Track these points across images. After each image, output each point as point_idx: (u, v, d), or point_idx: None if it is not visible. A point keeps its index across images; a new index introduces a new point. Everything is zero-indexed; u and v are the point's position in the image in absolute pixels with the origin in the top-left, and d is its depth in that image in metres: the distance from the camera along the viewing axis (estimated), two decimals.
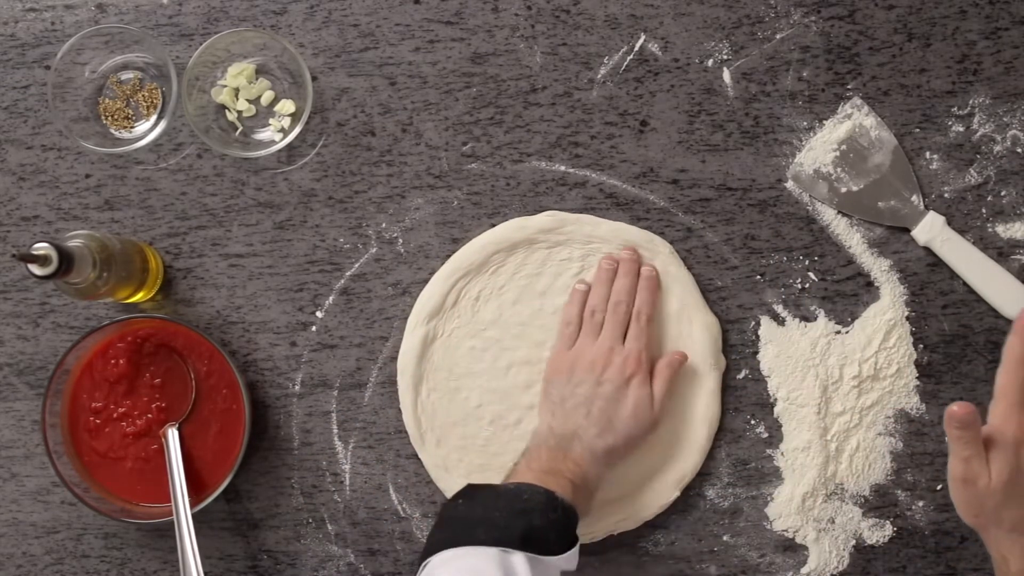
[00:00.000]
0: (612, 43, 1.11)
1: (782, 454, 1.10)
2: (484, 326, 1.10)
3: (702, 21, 1.11)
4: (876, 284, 1.10)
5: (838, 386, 1.09)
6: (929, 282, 1.10)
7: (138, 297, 1.10)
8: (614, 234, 1.09)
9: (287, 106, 1.13)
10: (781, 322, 1.11)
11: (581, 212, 1.11)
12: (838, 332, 1.10)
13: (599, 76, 1.12)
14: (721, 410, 1.10)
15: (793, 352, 1.09)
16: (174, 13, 1.13)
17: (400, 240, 1.12)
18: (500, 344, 1.10)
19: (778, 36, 1.11)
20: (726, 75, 1.11)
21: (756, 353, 1.11)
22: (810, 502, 1.09)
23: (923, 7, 1.10)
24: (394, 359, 1.12)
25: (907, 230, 1.10)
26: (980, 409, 0.92)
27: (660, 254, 1.09)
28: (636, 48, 1.11)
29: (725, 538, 1.10)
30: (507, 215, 1.12)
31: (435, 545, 0.91)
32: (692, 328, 1.09)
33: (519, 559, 0.89)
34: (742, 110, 1.11)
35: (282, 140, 1.11)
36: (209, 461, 1.09)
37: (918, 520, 1.10)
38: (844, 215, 1.10)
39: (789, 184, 1.11)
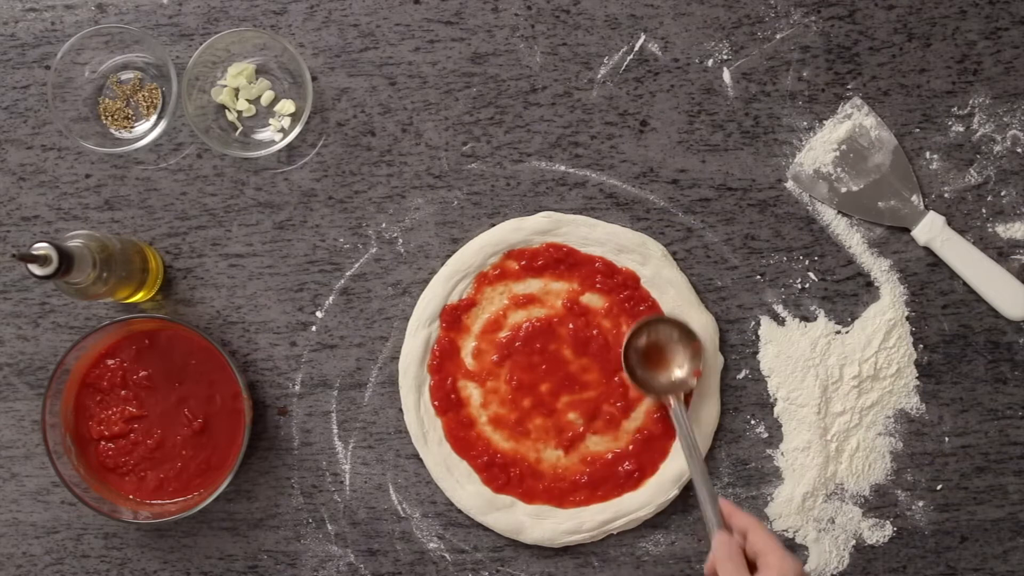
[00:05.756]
0: (612, 43, 1.11)
1: (782, 454, 1.10)
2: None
3: (702, 21, 1.11)
4: (876, 284, 1.10)
5: (838, 386, 1.09)
6: (929, 282, 1.10)
7: (138, 297, 1.10)
8: (609, 236, 1.09)
9: (287, 106, 1.13)
10: (781, 322, 1.11)
11: (580, 212, 1.11)
12: (838, 332, 1.10)
13: (599, 76, 1.12)
14: (720, 409, 1.10)
15: (793, 352, 1.09)
16: (174, 13, 1.13)
17: (400, 240, 1.12)
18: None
19: (778, 36, 1.11)
20: (726, 75, 1.11)
21: (756, 353, 1.11)
22: (810, 502, 1.09)
23: (923, 7, 1.10)
24: (394, 359, 1.12)
25: (907, 230, 1.10)
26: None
27: (653, 257, 1.09)
28: (636, 48, 1.11)
29: None
30: (507, 215, 1.12)
31: None
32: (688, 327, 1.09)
33: None
34: (742, 110, 1.11)
35: (282, 140, 1.11)
36: (209, 461, 1.09)
37: (918, 520, 1.10)
38: (844, 215, 1.10)
39: (789, 184, 1.11)
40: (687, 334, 1.07)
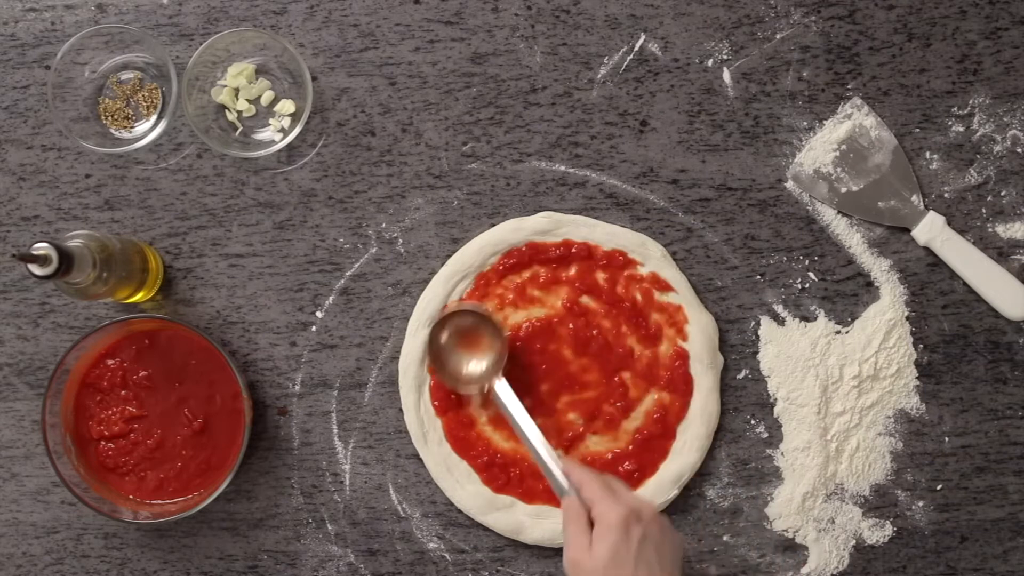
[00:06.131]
0: (612, 43, 1.11)
1: (782, 454, 1.10)
2: None
3: (702, 21, 1.11)
4: (876, 284, 1.10)
5: (838, 386, 1.09)
6: (929, 282, 1.10)
7: (138, 297, 1.10)
8: (609, 237, 1.09)
9: (287, 106, 1.13)
10: (781, 322, 1.11)
11: (580, 212, 1.11)
12: (838, 332, 1.10)
13: (599, 76, 1.12)
14: (720, 409, 1.10)
15: (793, 352, 1.09)
16: (174, 13, 1.13)
17: (400, 240, 1.12)
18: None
19: (778, 36, 1.11)
20: (726, 75, 1.11)
21: (756, 353, 1.11)
22: (810, 502, 1.09)
23: (923, 7, 1.10)
24: (394, 359, 1.12)
25: (907, 230, 1.10)
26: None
27: (653, 257, 1.09)
28: (636, 48, 1.11)
29: (725, 538, 1.10)
30: (507, 215, 1.12)
31: None
32: (688, 327, 1.09)
33: None
34: (742, 110, 1.11)
35: (282, 140, 1.11)
36: (209, 461, 1.09)
37: (918, 520, 1.10)
38: (844, 215, 1.10)
39: (789, 184, 1.11)
40: (485, 321, 1.06)
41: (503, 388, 1.04)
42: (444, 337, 1.07)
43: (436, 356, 1.07)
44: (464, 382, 1.07)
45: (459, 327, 1.07)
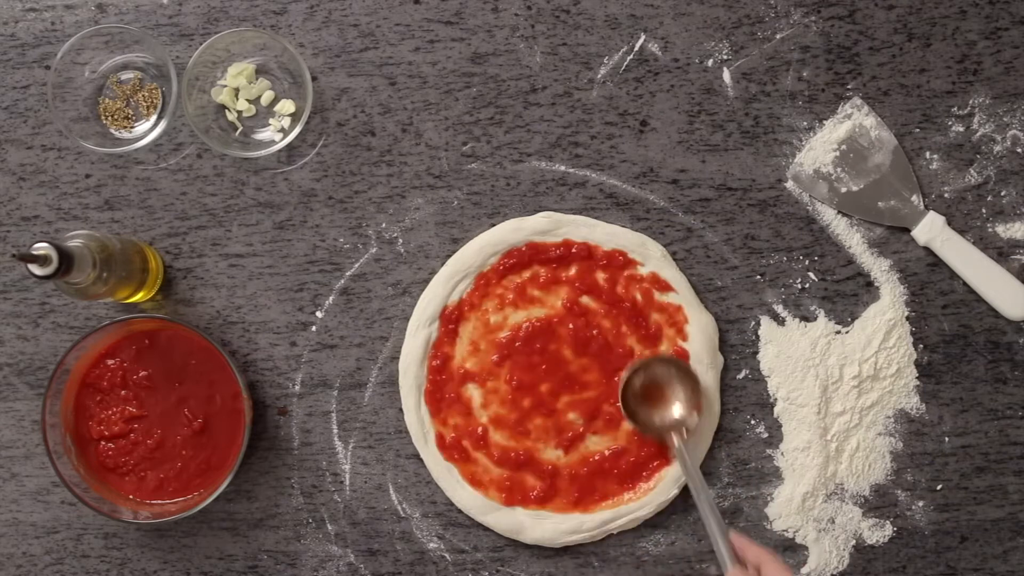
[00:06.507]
0: (612, 43, 1.12)
1: (782, 454, 1.10)
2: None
3: (702, 21, 1.11)
4: (876, 284, 1.10)
5: (838, 386, 1.09)
6: (929, 282, 1.10)
7: (138, 297, 1.10)
8: (609, 237, 1.10)
9: (287, 106, 1.13)
10: (781, 322, 1.11)
11: (580, 212, 1.11)
12: (838, 332, 1.10)
13: (599, 76, 1.12)
14: (720, 409, 1.10)
15: (793, 352, 1.10)
16: (174, 13, 1.13)
17: (400, 240, 1.12)
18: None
19: (778, 36, 1.11)
20: (726, 75, 1.11)
21: (756, 353, 1.11)
22: (810, 502, 1.09)
23: (923, 7, 1.11)
24: (394, 359, 1.12)
25: (907, 230, 1.10)
26: None
27: (653, 257, 1.09)
28: (636, 48, 1.11)
29: None
30: (507, 215, 1.12)
31: None
32: (688, 327, 1.09)
33: None
34: (742, 110, 1.11)
35: (282, 140, 1.11)
36: (209, 461, 1.09)
37: (918, 520, 1.10)
38: (844, 215, 1.10)
39: (789, 184, 1.11)
40: (684, 371, 1.07)
41: (681, 448, 1.05)
42: (640, 380, 1.07)
43: (626, 393, 1.07)
44: (643, 425, 1.07)
45: (656, 373, 1.07)
